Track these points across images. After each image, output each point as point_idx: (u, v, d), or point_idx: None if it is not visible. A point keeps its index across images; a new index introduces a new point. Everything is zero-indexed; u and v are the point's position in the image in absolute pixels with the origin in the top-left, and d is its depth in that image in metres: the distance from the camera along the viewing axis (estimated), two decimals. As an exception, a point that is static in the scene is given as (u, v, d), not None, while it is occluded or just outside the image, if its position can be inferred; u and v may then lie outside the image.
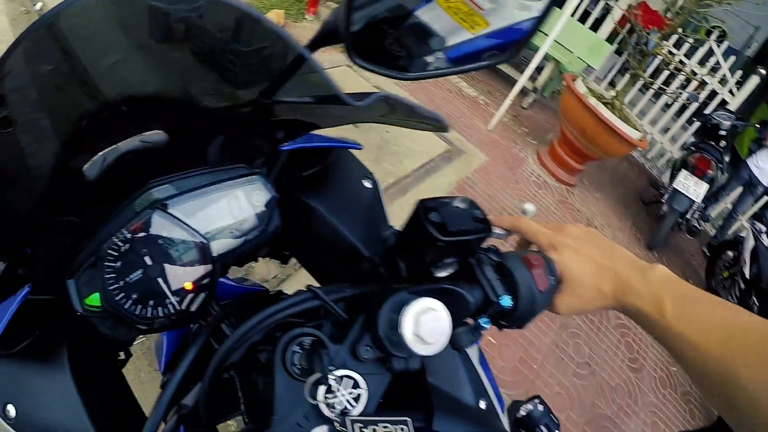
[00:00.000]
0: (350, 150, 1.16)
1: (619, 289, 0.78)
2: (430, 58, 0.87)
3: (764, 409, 0.61)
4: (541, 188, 4.89)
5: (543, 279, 0.77)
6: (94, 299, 0.75)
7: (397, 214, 3.29)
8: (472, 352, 0.95)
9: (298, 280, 2.73)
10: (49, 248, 0.82)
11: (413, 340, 0.64)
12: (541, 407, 1.06)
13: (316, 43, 0.74)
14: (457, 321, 0.69)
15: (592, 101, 4.60)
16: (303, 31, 5.02)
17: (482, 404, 0.87)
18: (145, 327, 0.78)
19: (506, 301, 0.75)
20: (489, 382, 0.93)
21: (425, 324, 0.65)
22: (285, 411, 0.67)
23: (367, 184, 1.14)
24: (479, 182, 4.27)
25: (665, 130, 6.59)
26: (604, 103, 4.69)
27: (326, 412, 0.65)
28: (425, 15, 0.89)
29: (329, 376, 0.65)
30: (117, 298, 0.74)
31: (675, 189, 4.86)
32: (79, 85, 0.80)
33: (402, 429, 0.68)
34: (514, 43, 0.93)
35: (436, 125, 0.86)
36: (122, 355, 1.16)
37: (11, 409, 0.74)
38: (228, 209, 0.88)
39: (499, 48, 0.93)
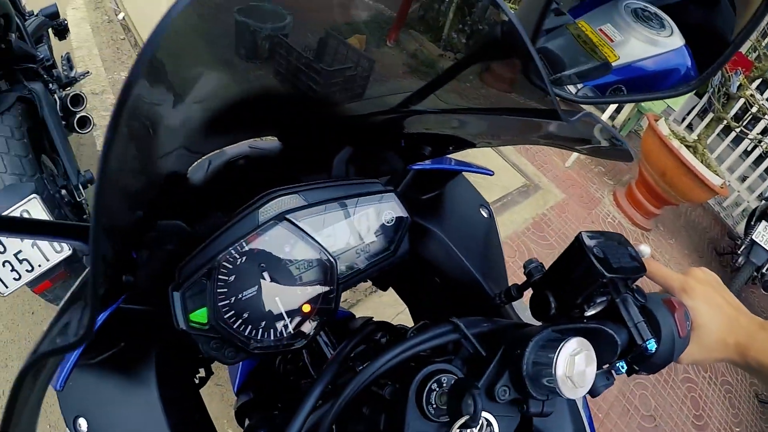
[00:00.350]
0: (465, 175, 1.11)
1: (742, 343, 0.76)
2: (572, 87, 0.82)
3: None
4: (616, 231, 4.71)
5: (683, 324, 0.74)
6: (201, 315, 0.70)
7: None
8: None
9: (368, 306, 2.69)
10: (154, 253, 0.76)
11: (564, 382, 0.60)
12: None
13: (480, 55, 0.69)
14: (599, 364, 0.66)
15: (675, 143, 4.46)
16: (385, 56, 5.04)
17: None
18: (250, 350, 0.73)
19: (652, 345, 0.71)
20: (590, 430, 0.90)
21: (578, 365, 0.61)
22: None
23: (484, 213, 1.10)
24: (555, 220, 4.18)
25: (743, 178, 6.33)
26: (687, 146, 4.54)
27: None
28: (552, 42, 0.85)
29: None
30: (227, 315, 0.70)
31: (753, 241, 4.63)
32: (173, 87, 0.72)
33: None
34: (640, 78, 0.89)
35: (621, 154, 0.80)
36: (203, 373, 1.12)
37: (83, 424, 0.69)
38: (357, 228, 0.82)
39: (624, 83, 0.90)
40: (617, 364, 0.72)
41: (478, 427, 0.63)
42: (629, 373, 0.75)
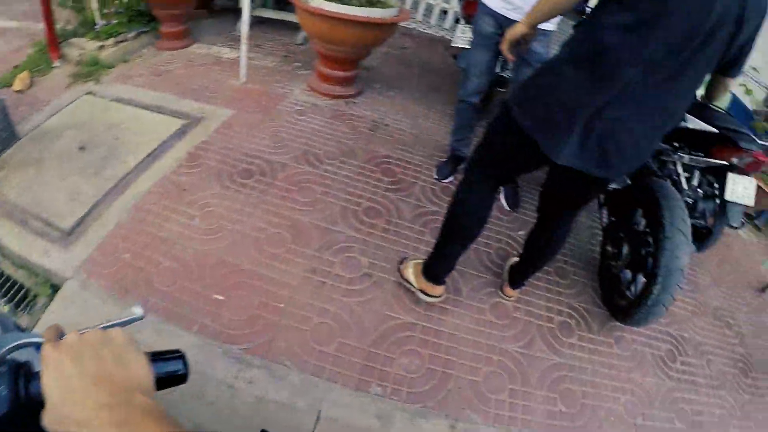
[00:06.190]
0: None
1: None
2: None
3: None
4: (305, 114, 4.39)
5: None
6: None
7: (118, 215, 3.08)
8: None
9: None
10: None
11: None
12: None
13: None
14: None
15: (315, 3, 4.09)
16: (54, 80, 4.65)
17: None
18: None
19: None
20: None
21: None
22: None
23: None
24: (218, 140, 3.79)
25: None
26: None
27: None
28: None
29: None
30: None
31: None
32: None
33: None
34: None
35: None
36: None
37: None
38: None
39: None
40: None
41: None
42: None
